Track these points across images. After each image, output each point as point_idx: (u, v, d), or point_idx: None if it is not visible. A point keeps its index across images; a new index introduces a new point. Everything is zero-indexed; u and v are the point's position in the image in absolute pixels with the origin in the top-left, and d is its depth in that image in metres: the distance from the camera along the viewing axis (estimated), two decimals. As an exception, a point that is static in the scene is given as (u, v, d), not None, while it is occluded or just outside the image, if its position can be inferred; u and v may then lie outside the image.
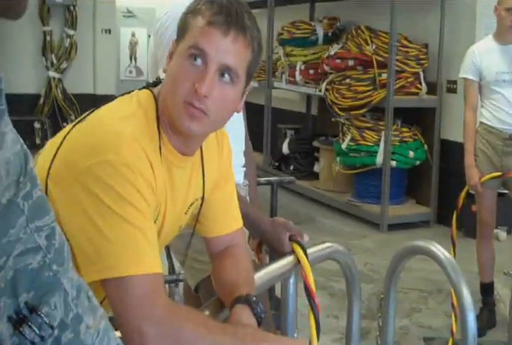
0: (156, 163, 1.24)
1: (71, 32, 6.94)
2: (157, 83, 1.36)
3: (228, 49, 1.24)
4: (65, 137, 1.25)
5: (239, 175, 2.12)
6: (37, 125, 6.55)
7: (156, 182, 1.24)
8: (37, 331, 0.80)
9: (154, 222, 1.28)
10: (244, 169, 2.18)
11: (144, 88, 1.36)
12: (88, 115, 1.31)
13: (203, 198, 1.43)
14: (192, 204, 1.42)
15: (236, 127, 2.12)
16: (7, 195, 0.78)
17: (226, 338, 1.20)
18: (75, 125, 1.29)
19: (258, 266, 1.73)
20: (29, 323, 0.79)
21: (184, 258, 1.54)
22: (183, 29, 1.28)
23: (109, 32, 7.23)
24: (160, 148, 1.26)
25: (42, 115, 6.74)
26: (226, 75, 1.25)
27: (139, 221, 1.18)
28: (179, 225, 1.43)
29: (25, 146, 0.83)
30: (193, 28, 1.26)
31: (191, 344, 1.17)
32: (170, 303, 1.21)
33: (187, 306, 1.40)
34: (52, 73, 6.88)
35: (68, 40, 6.94)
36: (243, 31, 1.26)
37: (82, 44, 7.00)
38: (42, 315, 0.80)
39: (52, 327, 0.81)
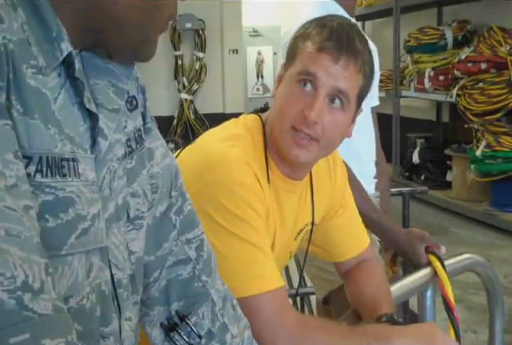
0: (265, 186, 1.22)
1: (201, 55, 7.20)
2: (265, 108, 1.35)
3: (339, 74, 1.21)
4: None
5: (370, 185, 2.07)
6: (171, 145, 6.79)
7: (266, 201, 1.22)
8: (186, 339, 0.86)
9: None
10: (376, 180, 2.12)
11: (252, 112, 1.34)
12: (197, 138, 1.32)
13: (312, 223, 1.39)
14: (302, 230, 1.38)
15: (364, 136, 2.07)
16: (160, 208, 0.84)
17: (360, 342, 1.16)
18: (183, 148, 1.30)
19: (392, 278, 1.67)
20: (179, 331, 0.86)
21: (299, 277, 1.52)
22: (292, 53, 1.26)
23: (236, 52, 7.43)
24: (268, 172, 1.24)
25: (175, 136, 6.99)
26: (337, 100, 1.22)
27: (255, 238, 1.17)
28: (289, 251, 1.41)
29: (175, 161, 0.89)
30: (302, 53, 1.23)
31: None
32: (300, 316, 1.20)
33: (318, 317, 1.36)
34: (184, 95, 7.15)
35: (198, 63, 7.20)
36: (354, 56, 1.21)
37: (211, 66, 7.24)
38: (191, 324, 0.86)
39: (199, 336, 0.87)
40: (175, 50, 7.14)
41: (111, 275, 0.74)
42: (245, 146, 1.23)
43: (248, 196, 1.16)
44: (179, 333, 0.85)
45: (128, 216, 0.77)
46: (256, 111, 1.35)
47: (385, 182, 2.24)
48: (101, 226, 0.70)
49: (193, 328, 0.86)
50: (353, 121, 1.29)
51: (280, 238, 1.31)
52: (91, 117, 0.71)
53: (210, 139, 1.29)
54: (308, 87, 1.20)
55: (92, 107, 0.70)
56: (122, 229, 0.76)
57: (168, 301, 0.86)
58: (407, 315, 2.87)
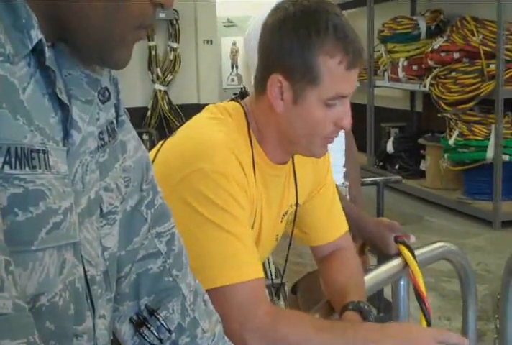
0: (249, 171, 1.23)
1: (175, 45, 7.14)
2: (243, 95, 1.34)
3: (356, 78, 1.26)
4: (157, 153, 1.26)
5: (338, 174, 2.07)
6: (145, 137, 6.76)
7: (250, 190, 1.22)
8: (156, 334, 0.84)
9: (252, 229, 1.25)
10: (344, 169, 2.13)
11: (232, 100, 1.34)
12: (177, 129, 1.31)
13: (297, 205, 1.40)
14: (286, 212, 1.39)
15: None
16: (131, 202, 0.82)
17: (335, 338, 1.16)
18: (165, 140, 1.29)
19: (363, 269, 1.68)
20: (149, 326, 0.84)
21: (284, 262, 1.51)
22: (311, 72, 1.19)
23: (211, 43, 7.38)
24: (253, 157, 1.24)
25: (149, 127, 6.94)
26: None
27: (236, 228, 1.17)
28: (275, 234, 1.41)
29: (147, 153, 0.87)
30: (329, 75, 1.19)
31: None
32: (273, 309, 1.19)
33: (292, 310, 1.36)
34: (158, 86, 7.09)
35: (172, 53, 7.13)
36: (364, 58, 1.27)
37: (185, 56, 7.18)
38: (161, 319, 0.85)
39: (169, 330, 0.85)
40: (149, 41, 7.07)
41: (85, 272, 0.72)
42: (231, 132, 1.23)
43: (230, 186, 1.17)
44: (148, 328, 0.84)
45: (101, 211, 0.76)
46: (235, 98, 1.34)
47: (356, 171, 2.24)
48: (74, 221, 0.69)
49: (162, 322, 0.85)
50: None
51: (267, 222, 1.32)
52: (63, 108, 0.69)
53: (193, 128, 1.28)
54: (337, 103, 1.22)
55: (64, 98, 0.69)
56: (95, 224, 0.75)
57: (138, 296, 0.84)
58: (382, 303, 2.90)
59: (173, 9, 7.23)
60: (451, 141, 5.34)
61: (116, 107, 0.82)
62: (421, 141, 6.16)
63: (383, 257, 1.69)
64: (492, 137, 5.05)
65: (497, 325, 1.96)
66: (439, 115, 5.59)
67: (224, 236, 1.15)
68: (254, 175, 1.24)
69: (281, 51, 1.21)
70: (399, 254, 1.62)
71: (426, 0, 6.68)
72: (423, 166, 6.22)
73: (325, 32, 1.18)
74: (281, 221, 1.39)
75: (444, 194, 5.70)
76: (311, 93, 1.20)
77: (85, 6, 0.67)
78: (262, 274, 1.19)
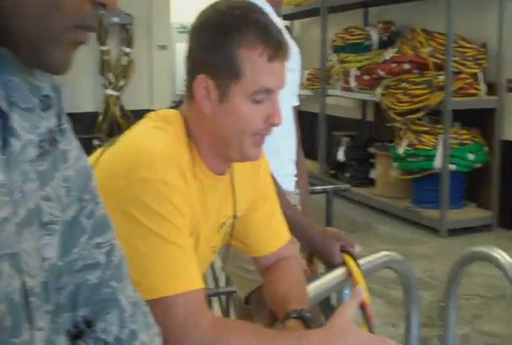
0: (190, 180, 1.22)
1: (128, 50, 7.08)
2: (180, 102, 1.33)
3: (283, 72, 1.24)
4: (97, 160, 1.23)
5: (290, 184, 2.08)
6: (95, 142, 6.70)
7: (191, 199, 1.21)
8: None
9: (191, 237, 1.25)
10: (296, 178, 2.14)
11: (171, 107, 1.33)
12: (118, 137, 1.29)
13: (235, 217, 1.39)
14: (224, 223, 1.38)
15: (288, 136, 2.09)
16: (70, 212, 0.80)
17: None
18: (105, 148, 1.27)
19: (310, 277, 1.69)
20: (86, 338, 0.81)
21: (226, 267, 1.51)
22: (232, 67, 1.19)
23: (165, 48, 7.34)
24: (193, 166, 1.24)
25: (100, 132, 6.86)
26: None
27: (178, 237, 1.16)
28: (212, 245, 1.40)
29: (88, 163, 0.85)
30: (251, 67, 1.19)
31: None
32: (215, 319, 1.17)
33: (234, 320, 1.36)
34: (110, 91, 7.03)
35: (125, 58, 7.08)
36: (288, 49, 1.24)
37: (138, 62, 7.14)
38: (98, 331, 0.82)
39: (106, 343, 0.83)
40: (101, 45, 7.01)
41: (23, 283, 0.70)
42: (170, 142, 1.22)
43: (172, 195, 1.15)
44: (85, 341, 0.82)
45: (41, 221, 0.74)
46: (174, 106, 1.33)
47: (305, 180, 2.25)
48: (11, 231, 0.68)
49: (99, 334, 0.82)
50: None
51: (204, 233, 1.31)
52: (2, 116, 0.68)
53: (133, 137, 1.27)
54: (265, 98, 1.22)
55: (3, 105, 0.68)
56: (35, 235, 0.73)
57: (75, 307, 0.82)
58: (330, 311, 2.93)
59: (127, 14, 7.19)
60: (400, 151, 5.42)
61: (58, 115, 0.80)
62: (371, 150, 6.24)
63: (329, 266, 1.71)
64: (439, 147, 5.14)
65: (441, 333, 2.00)
66: (388, 124, 5.67)
67: (165, 246, 1.14)
68: (194, 184, 1.24)
69: (203, 50, 1.22)
70: (344, 263, 1.64)
71: (378, 11, 6.78)
72: (373, 174, 6.29)
73: (245, 27, 1.19)
74: (218, 233, 1.38)
75: (393, 202, 5.78)
76: (235, 88, 1.20)
77: (19, 4, 0.66)
78: (202, 284, 1.18)
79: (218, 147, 1.26)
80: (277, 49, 1.20)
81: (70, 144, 0.82)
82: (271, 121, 1.22)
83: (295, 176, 2.14)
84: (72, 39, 0.72)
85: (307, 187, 2.29)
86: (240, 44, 1.19)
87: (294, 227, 1.66)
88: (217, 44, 1.20)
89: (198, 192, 1.26)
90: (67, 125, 0.82)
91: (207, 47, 1.21)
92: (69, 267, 0.80)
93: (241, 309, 2.09)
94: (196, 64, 1.24)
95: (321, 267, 1.90)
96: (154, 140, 1.21)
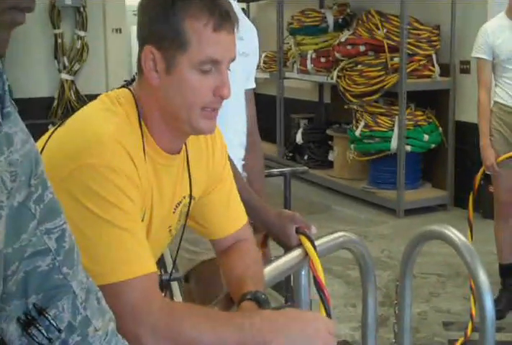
0: (139, 162, 1.21)
1: (82, 34, 6.95)
2: (133, 80, 1.31)
3: (232, 43, 1.23)
4: (46, 143, 1.22)
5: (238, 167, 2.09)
6: (51, 128, 6.59)
7: (141, 181, 1.20)
8: (45, 333, 0.80)
9: (142, 221, 1.24)
10: (243, 162, 2.15)
11: (122, 87, 1.31)
12: (67, 119, 1.28)
13: (190, 196, 1.39)
14: (180, 202, 1.37)
15: (236, 120, 2.09)
16: (18, 197, 0.78)
17: (231, 333, 1.15)
18: (54, 130, 1.26)
19: (264, 260, 1.70)
20: (37, 325, 0.80)
21: (176, 252, 1.51)
22: (177, 37, 1.19)
23: (120, 31, 7.24)
24: (144, 147, 1.22)
25: (55, 117, 6.74)
26: (229, 64, 1.25)
27: (127, 223, 1.15)
28: (168, 225, 1.39)
29: (36, 148, 0.82)
30: (196, 38, 1.19)
31: (195, 343, 1.13)
32: (167, 304, 1.17)
33: (187, 303, 1.36)
34: (64, 75, 6.89)
35: (79, 42, 6.94)
36: (236, 22, 1.24)
37: (93, 45, 7.02)
38: (50, 318, 0.81)
39: (59, 330, 0.82)
40: (55, 28, 6.87)
41: None
42: (121, 124, 1.21)
43: (120, 180, 1.14)
44: (37, 328, 0.80)
45: None
46: (125, 85, 1.31)
47: (260, 162, 2.25)
48: None
49: (52, 321, 0.81)
50: None
51: (158, 213, 1.30)
52: None
53: (81, 120, 1.26)
54: (213, 70, 1.21)
55: None
56: None
57: (26, 294, 0.80)
58: (289, 293, 2.95)
59: (80, -5, 7.05)
60: (357, 133, 5.47)
61: (1, 98, 0.77)
62: (329, 132, 6.28)
63: (286, 248, 1.71)
64: (395, 128, 5.20)
65: (396, 311, 2.03)
66: (345, 107, 5.70)
67: (114, 231, 1.13)
68: (146, 165, 1.23)
69: (150, 22, 1.22)
70: (300, 244, 1.64)
71: (333, -7, 6.79)
72: (331, 157, 6.34)
73: None
74: (174, 212, 1.37)
75: (351, 184, 5.84)
76: (181, 59, 1.19)
77: None
78: (154, 269, 1.18)
79: (170, 121, 1.25)
80: (222, 20, 1.20)
81: (15, 127, 0.79)
82: (219, 94, 1.21)
83: (243, 160, 2.14)
84: (8, 21, 0.70)
85: (263, 170, 2.30)
86: (186, 15, 1.19)
87: (249, 210, 1.66)
88: (163, 15, 1.20)
89: (151, 173, 1.25)
90: (11, 108, 0.79)
91: (153, 19, 1.21)
92: (18, 253, 0.79)
93: (186, 291, 2.12)
94: (144, 36, 1.24)
95: (274, 250, 1.91)
96: (103, 123, 1.20)
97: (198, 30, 1.19)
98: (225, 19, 1.20)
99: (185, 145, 1.35)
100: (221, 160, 1.46)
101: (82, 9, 6.98)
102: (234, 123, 2.03)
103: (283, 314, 1.23)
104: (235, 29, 1.23)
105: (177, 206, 1.37)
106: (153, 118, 1.25)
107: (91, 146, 1.15)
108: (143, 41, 1.23)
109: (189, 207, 1.40)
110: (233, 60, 1.24)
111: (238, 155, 2.08)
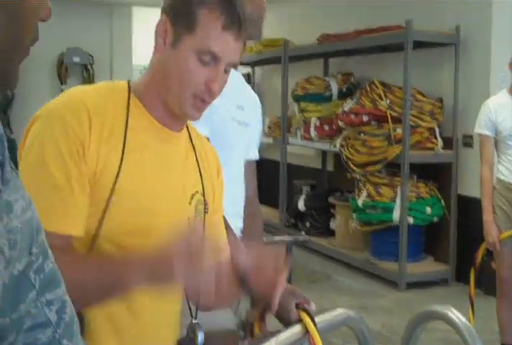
0: (114, 133, 1.26)
1: (88, 90, 7.07)
2: None
3: (237, 50, 1.32)
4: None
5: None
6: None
7: (101, 153, 1.24)
8: None
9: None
10: (240, 234, 2.12)
11: None
12: None
13: (204, 194, 1.41)
14: (193, 195, 1.39)
15: (233, 190, 2.07)
16: (18, 265, 0.77)
17: (87, 274, 1.17)
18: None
19: (261, 336, 1.66)
20: None
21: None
22: (189, 18, 1.29)
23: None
24: (127, 121, 1.29)
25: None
26: (229, 68, 1.33)
27: (63, 180, 1.20)
28: (187, 216, 1.37)
29: (37, 215, 0.82)
30: (206, 28, 1.28)
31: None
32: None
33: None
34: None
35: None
36: (246, 31, 1.32)
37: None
38: None
39: None
40: (62, 84, 7.00)
41: None
42: (97, 98, 1.29)
43: (65, 132, 1.20)
44: None
45: None
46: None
47: (259, 231, 2.23)
48: None
49: None
50: None
51: (165, 193, 1.32)
52: None
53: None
54: (210, 62, 1.29)
55: None
56: None
57: None
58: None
59: (89, 54, 7.19)
60: (359, 202, 5.45)
61: (1, 164, 0.77)
62: (331, 200, 6.26)
63: (285, 323, 1.68)
64: (398, 200, 5.18)
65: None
66: (348, 175, 5.71)
67: (49, 182, 1.19)
68: (125, 139, 1.27)
69: None
70: (300, 320, 1.61)
71: (338, 62, 6.92)
72: (332, 225, 6.30)
73: None
74: (190, 203, 1.38)
75: (352, 253, 5.78)
76: (186, 39, 1.28)
77: None
78: (73, 233, 1.21)
79: (163, 94, 1.33)
80: (233, 21, 1.28)
81: (16, 194, 0.78)
82: (209, 86, 1.29)
83: (241, 231, 2.12)
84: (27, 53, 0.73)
85: (262, 238, 2.27)
86: (204, 4, 1.28)
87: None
88: (186, 3, 1.30)
89: (141, 140, 1.30)
90: (12, 174, 0.78)
91: None
92: (16, 324, 0.77)
93: None
94: (165, 6, 1.33)
95: (270, 326, 1.87)
96: (80, 93, 1.30)
97: (208, 21, 1.27)
98: (235, 21, 1.29)
99: (192, 143, 1.42)
100: (214, 162, 1.50)
101: (89, 67, 7.12)
102: (230, 192, 2.02)
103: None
104: (241, 36, 1.31)
105: (191, 198, 1.39)
106: (149, 91, 1.33)
107: (55, 101, 1.27)
108: (163, 10, 1.32)
109: (205, 206, 1.42)
110: (233, 64, 1.33)
111: (235, 225, 2.04)
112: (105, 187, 1.24)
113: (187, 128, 1.43)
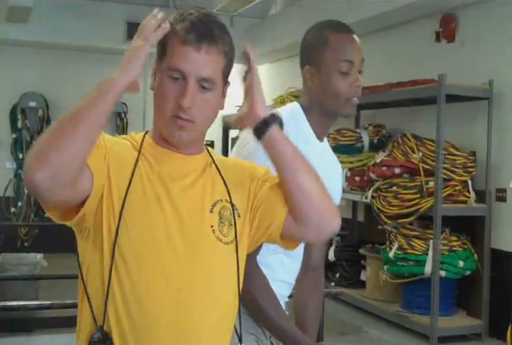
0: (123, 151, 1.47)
1: (123, 140, 7.19)
2: None
3: (203, 63, 1.40)
4: None
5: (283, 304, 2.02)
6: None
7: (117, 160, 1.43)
8: None
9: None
10: (288, 300, 2.12)
11: None
12: None
13: (231, 204, 1.47)
14: (215, 204, 1.46)
15: (294, 260, 2.06)
16: None
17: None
18: None
19: None
20: None
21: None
22: (161, 48, 1.43)
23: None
24: (141, 146, 1.49)
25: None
26: (205, 84, 1.41)
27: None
28: (210, 225, 1.44)
29: None
30: (169, 47, 1.41)
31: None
32: None
33: None
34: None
35: (119, 146, 7.16)
36: (214, 42, 1.40)
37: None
38: None
39: None
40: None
41: None
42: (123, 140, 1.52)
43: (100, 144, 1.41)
44: None
45: None
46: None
47: (319, 303, 2.17)
48: None
49: None
50: (224, 95, 1.48)
51: (184, 206, 1.42)
52: None
53: None
54: (179, 79, 1.40)
55: None
56: None
57: None
58: None
59: (122, 102, 7.33)
60: (390, 254, 5.42)
61: None
62: (361, 251, 6.23)
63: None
64: (430, 252, 5.14)
65: None
66: (379, 227, 5.69)
67: None
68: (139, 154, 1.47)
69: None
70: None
71: (369, 114, 6.96)
72: (363, 276, 6.25)
73: (181, 21, 1.42)
74: (211, 211, 1.45)
75: (383, 306, 5.72)
76: (162, 66, 1.44)
77: None
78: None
79: (156, 123, 1.51)
80: (189, 34, 1.39)
81: None
82: (178, 100, 1.39)
83: (289, 297, 2.12)
84: None
85: (319, 313, 2.17)
86: (173, 32, 1.41)
87: (290, 340, 1.65)
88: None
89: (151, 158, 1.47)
90: None
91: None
92: None
93: None
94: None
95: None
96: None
97: (172, 42, 1.41)
98: (193, 34, 1.39)
99: (212, 157, 1.54)
100: (248, 169, 1.57)
101: (123, 115, 7.25)
102: (286, 262, 2.03)
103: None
104: (206, 49, 1.40)
105: (213, 206, 1.46)
106: (154, 125, 1.52)
107: None
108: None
109: (234, 216, 1.47)
110: (203, 78, 1.40)
111: (280, 292, 1.96)
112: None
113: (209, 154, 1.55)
